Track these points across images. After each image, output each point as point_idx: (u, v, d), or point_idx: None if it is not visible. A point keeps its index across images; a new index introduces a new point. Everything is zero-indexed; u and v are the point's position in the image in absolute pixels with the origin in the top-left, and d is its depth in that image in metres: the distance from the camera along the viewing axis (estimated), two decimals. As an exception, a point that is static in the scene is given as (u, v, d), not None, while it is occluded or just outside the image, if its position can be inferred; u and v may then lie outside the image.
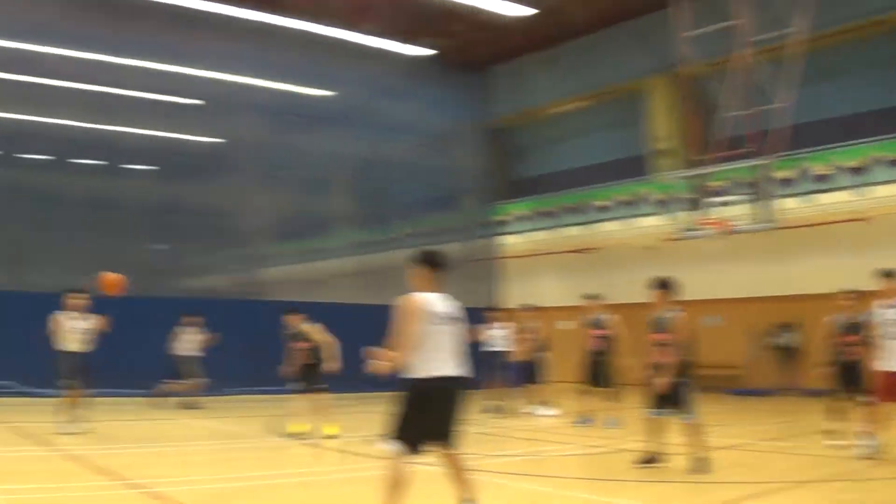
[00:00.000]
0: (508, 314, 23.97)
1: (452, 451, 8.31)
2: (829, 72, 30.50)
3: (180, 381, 23.47)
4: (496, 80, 36.48)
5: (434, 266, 8.51)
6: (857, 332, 14.15)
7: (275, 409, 19.54)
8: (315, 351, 16.56)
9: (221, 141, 32.00)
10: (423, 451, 8.12)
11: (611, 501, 10.45)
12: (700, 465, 11.86)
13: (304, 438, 16.26)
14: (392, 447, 8.06)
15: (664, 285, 12.97)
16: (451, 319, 8.38)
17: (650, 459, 12.41)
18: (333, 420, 16.56)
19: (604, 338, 18.46)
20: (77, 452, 13.58)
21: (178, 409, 22.72)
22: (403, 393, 8.16)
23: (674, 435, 12.35)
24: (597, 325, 18.67)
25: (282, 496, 10.63)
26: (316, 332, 16.77)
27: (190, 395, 23.33)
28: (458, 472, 8.41)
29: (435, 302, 8.33)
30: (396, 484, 7.98)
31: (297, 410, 16.75)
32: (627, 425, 17.22)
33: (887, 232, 26.57)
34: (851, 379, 13.94)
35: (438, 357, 8.17)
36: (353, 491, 10.88)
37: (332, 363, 16.44)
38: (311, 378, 16.52)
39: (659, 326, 12.50)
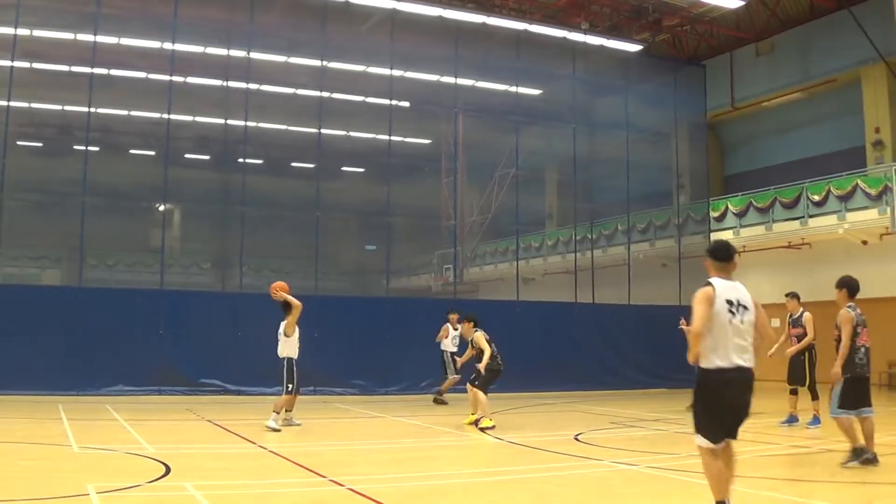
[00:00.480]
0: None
1: (732, 444, 8.24)
2: None
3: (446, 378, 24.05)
4: (709, 74, 35.76)
5: (719, 258, 8.46)
6: None
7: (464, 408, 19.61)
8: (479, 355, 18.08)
9: (429, 142, 32.32)
10: (723, 441, 8.11)
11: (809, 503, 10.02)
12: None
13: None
14: (698, 441, 8.12)
15: (843, 284, 13.09)
16: (742, 308, 8.19)
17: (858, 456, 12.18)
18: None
19: (799, 337, 18.26)
20: (283, 450, 13.78)
21: (434, 404, 23.46)
22: (697, 384, 8.17)
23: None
24: (795, 323, 18.41)
25: (480, 494, 10.52)
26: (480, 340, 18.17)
27: (442, 392, 23.93)
28: (730, 466, 8.28)
29: (725, 290, 8.21)
30: (713, 475, 8.04)
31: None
32: (826, 425, 16.63)
33: None
34: None
35: (726, 346, 8.01)
36: (554, 490, 10.79)
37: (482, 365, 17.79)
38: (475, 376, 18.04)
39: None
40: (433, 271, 35.25)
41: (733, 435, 8.16)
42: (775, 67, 37.54)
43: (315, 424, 17.61)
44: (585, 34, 32.15)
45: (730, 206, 34.92)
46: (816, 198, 31.45)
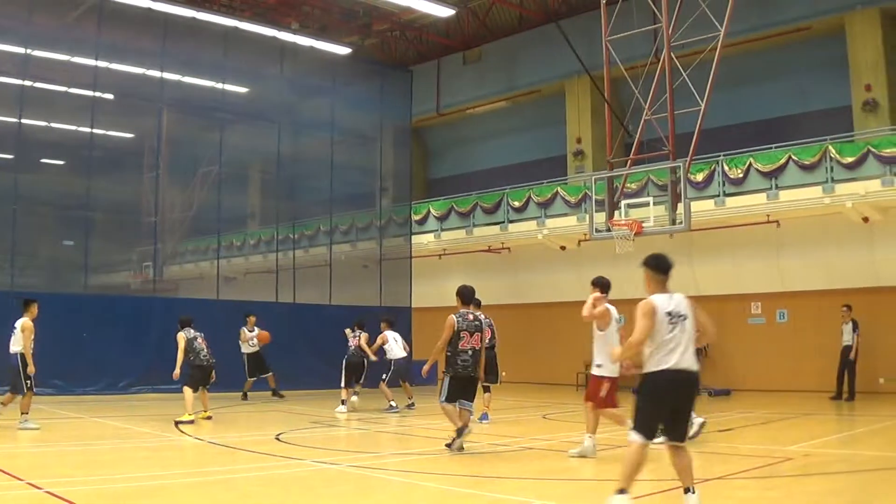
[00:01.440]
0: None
1: (680, 443, 8.68)
2: (747, 77, 31.03)
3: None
4: (416, 79, 36.41)
5: (659, 270, 9.27)
6: None
7: (176, 407, 19.43)
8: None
9: (132, 136, 31.61)
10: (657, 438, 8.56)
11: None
12: None
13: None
14: (633, 437, 8.51)
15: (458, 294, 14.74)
16: (679, 317, 8.75)
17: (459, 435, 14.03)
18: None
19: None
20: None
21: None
22: (642, 386, 8.67)
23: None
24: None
25: (183, 496, 10.39)
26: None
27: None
28: (684, 464, 8.71)
29: (664, 302, 8.85)
30: (635, 467, 8.51)
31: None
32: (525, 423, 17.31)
33: (795, 235, 27.00)
34: None
35: (670, 351, 8.58)
36: (257, 490, 10.77)
37: None
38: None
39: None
40: (133, 268, 34.42)
41: (678, 434, 8.69)
42: (482, 76, 38.59)
43: (10, 426, 16.94)
44: (295, 34, 32.18)
45: (432, 209, 35.60)
46: (517, 204, 32.48)
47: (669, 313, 8.71)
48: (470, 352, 14.16)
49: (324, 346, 27.82)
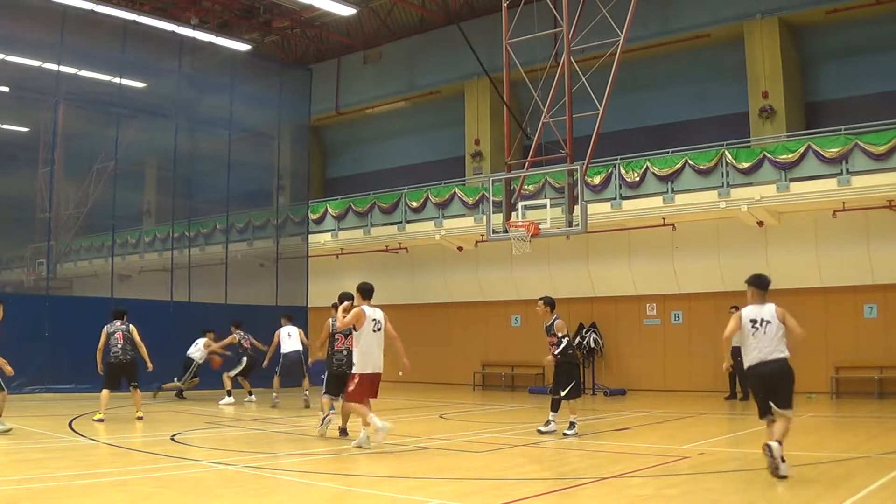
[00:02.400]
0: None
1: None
2: (646, 82, 31.48)
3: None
4: (316, 78, 36.33)
5: (762, 286, 11.74)
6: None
7: (71, 407, 19.21)
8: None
9: (27, 130, 31.08)
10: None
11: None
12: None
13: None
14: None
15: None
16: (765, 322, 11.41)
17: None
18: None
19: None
20: None
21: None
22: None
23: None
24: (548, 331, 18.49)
25: (76, 498, 10.27)
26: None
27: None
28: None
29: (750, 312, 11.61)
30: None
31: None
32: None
33: (691, 238, 27.45)
34: None
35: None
36: (152, 491, 10.63)
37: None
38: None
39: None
40: (26, 265, 33.83)
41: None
42: (382, 76, 38.61)
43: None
44: (195, 30, 31.93)
45: (329, 208, 35.51)
46: (415, 204, 32.54)
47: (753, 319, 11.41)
48: (344, 352, 16.17)
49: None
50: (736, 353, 24.75)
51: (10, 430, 16.17)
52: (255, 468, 12.43)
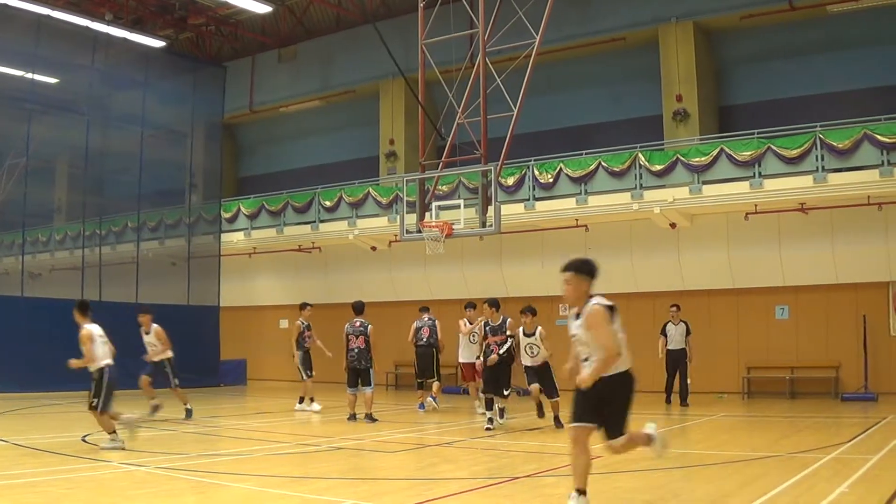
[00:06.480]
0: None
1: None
2: (561, 84, 31.76)
3: None
4: (230, 76, 36.17)
5: (594, 275, 9.36)
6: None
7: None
8: None
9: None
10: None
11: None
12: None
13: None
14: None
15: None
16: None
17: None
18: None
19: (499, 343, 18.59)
20: None
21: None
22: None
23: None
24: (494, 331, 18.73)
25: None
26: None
27: None
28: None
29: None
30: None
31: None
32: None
33: (604, 239, 27.75)
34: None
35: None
36: (63, 493, 10.59)
37: None
38: None
39: None
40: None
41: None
42: (297, 74, 38.51)
43: None
44: (108, 25, 31.65)
45: (242, 207, 35.35)
46: (328, 203, 32.50)
47: None
48: (356, 350, 19.50)
49: (131, 345, 27.45)
50: (673, 355, 24.65)
51: None
52: (167, 469, 12.42)
